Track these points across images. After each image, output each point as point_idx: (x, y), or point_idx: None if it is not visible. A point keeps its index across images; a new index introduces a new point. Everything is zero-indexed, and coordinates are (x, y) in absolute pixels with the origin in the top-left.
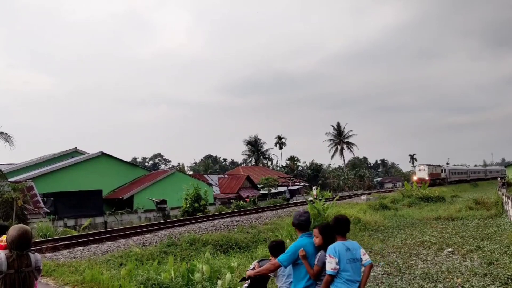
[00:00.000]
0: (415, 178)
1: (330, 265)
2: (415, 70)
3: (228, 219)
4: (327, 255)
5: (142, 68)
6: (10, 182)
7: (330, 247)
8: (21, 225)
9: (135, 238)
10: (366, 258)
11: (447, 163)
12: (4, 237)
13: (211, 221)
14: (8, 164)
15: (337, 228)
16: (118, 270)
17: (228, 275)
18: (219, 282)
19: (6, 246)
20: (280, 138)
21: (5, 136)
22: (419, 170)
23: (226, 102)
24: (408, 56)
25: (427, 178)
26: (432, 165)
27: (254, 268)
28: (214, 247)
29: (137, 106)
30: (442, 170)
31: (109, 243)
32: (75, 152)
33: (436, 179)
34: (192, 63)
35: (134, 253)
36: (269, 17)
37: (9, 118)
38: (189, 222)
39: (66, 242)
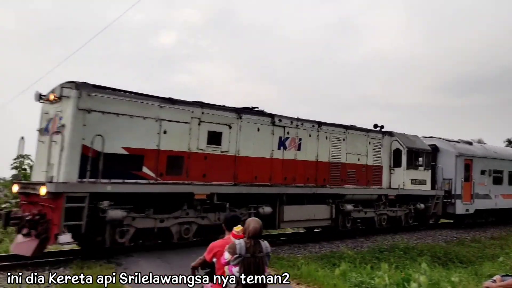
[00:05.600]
0: None
1: None
2: None
3: (447, 229)
4: None
5: (351, 72)
6: None
7: None
8: (257, 218)
9: (347, 240)
10: None
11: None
12: (238, 228)
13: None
14: None
15: None
16: (331, 269)
17: None
18: None
19: (240, 235)
20: (510, 141)
21: None
22: None
23: (442, 102)
24: None
25: None
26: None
27: (495, 281)
28: (431, 258)
29: (346, 110)
30: None
31: (324, 243)
32: None
33: None
34: (404, 63)
35: (347, 255)
36: (489, 4)
37: None
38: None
39: (285, 238)
